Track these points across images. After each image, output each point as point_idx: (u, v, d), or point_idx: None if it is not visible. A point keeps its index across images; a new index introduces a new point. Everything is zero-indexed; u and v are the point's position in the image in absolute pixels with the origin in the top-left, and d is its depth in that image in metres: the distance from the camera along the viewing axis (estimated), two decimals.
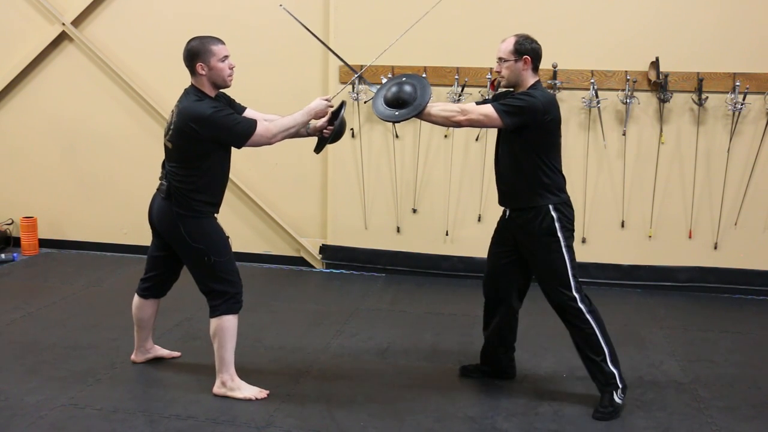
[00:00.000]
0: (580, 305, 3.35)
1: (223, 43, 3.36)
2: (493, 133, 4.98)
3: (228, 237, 3.50)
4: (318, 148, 3.66)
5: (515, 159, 3.35)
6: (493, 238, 3.62)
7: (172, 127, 3.35)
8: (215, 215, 3.49)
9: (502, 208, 3.54)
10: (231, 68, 3.36)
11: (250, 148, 3.46)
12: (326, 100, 3.47)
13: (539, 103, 3.22)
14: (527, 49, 3.28)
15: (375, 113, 3.40)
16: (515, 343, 3.73)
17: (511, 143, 3.36)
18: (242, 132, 3.29)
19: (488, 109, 3.23)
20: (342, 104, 3.59)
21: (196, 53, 3.30)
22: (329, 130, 3.54)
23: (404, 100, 3.29)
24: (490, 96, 5.14)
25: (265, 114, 3.62)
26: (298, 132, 3.51)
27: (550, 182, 3.33)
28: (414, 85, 3.33)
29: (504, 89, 3.47)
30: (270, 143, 3.39)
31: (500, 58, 3.33)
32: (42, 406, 3.35)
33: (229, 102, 3.54)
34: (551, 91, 4.75)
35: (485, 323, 3.68)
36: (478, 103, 3.43)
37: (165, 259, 3.62)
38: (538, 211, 3.33)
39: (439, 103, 3.39)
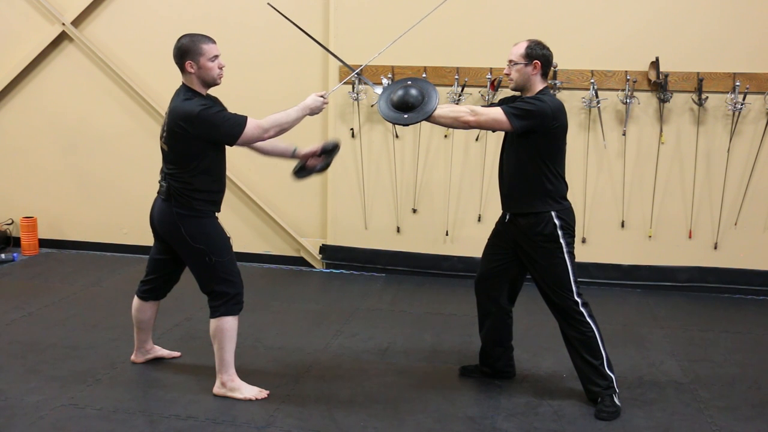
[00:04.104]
0: (582, 309, 3.36)
1: (213, 42, 3.34)
2: (493, 133, 5.02)
3: (229, 237, 3.50)
4: (299, 174, 3.66)
5: (520, 164, 3.36)
6: (489, 239, 3.63)
7: (165, 128, 3.35)
8: (216, 214, 3.49)
9: (502, 210, 3.55)
10: (221, 68, 3.34)
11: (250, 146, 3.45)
12: (321, 96, 3.43)
13: (548, 109, 3.22)
14: (538, 55, 3.29)
15: (382, 116, 3.39)
16: (513, 343, 3.73)
17: (517, 148, 3.36)
18: (232, 129, 3.26)
19: (497, 112, 3.23)
20: (336, 146, 3.61)
21: (185, 51, 3.29)
22: (317, 161, 3.54)
23: (411, 104, 3.30)
24: (491, 96, 5.18)
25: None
26: (283, 153, 3.57)
27: (553, 189, 3.34)
28: (420, 88, 3.33)
29: (510, 91, 3.48)
30: (263, 139, 3.35)
31: (511, 61, 3.34)
32: (42, 406, 3.35)
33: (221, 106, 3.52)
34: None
35: (480, 324, 3.69)
36: (485, 106, 3.43)
37: (166, 262, 3.62)
38: (540, 217, 3.34)
39: (446, 105, 3.40)
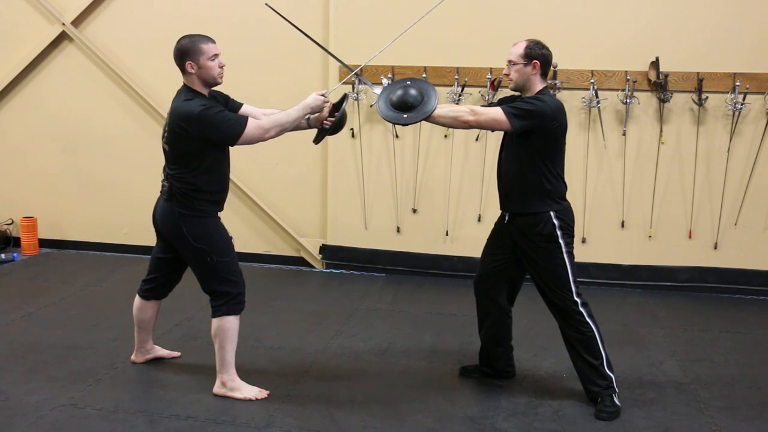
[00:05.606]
0: (581, 309, 3.36)
1: (213, 41, 3.35)
2: (493, 133, 5.02)
3: (231, 237, 3.50)
4: (317, 139, 3.66)
5: (519, 164, 3.36)
6: (488, 240, 3.63)
7: (166, 129, 3.36)
8: (218, 214, 3.49)
9: (501, 211, 3.55)
10: (221, 66, 3.34)
11: (250, 146, 3.45)
12: (322, 95, 3.43)
13: (548, 108, 3.22)
14: (537, 54, 3.29)
15: (381, 116, 3.39)
16: (513, 343, 3.73)
17: (516, 148, 3.36)
18: (232, 129, 3.27)
19: (497, 112, 3.23)
20: (344, 97, 3.59)
21: (185, 52, 3.30)
22: (330, 121, 3.54)
23: (410, 104, 3.30)
24: (491, 96, 5.18)
25: (263, 108, 3.61)
26: (299, 126, 3.50)
27: (552, 189, 3.34)
28: (419, 88, 3.33)
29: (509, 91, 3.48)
30: (263, 139, 3.34)
31: (510, 61, 3.34)
32: (42, 406, 3.35)
33: (225, 99, 3.53)
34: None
35: (480, 324, 3.70)
36: (484, 106, 3.43)
37: (168, 261, 3.62)
38: (539, 217, 3.34)
39: (446, 105, 3.40)
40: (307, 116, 3.49)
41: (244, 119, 3.30)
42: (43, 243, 6.32)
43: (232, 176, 3.62)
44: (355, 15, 5.42)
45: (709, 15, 5.04)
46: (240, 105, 3.59)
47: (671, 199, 5.30)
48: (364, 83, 4.60)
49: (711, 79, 5.05)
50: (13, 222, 6.33)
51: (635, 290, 5.39)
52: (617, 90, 5.17)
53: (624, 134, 5.23)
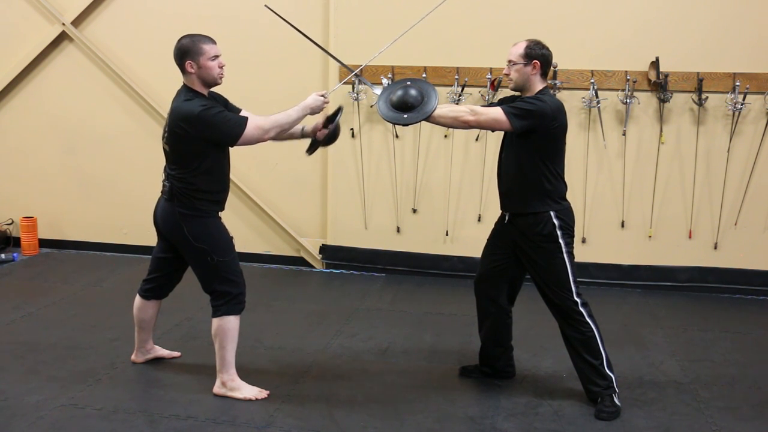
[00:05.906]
0: (582, 309, 3.36)
1: (213, 42, 3.35)
2: (493, 133, 5.02)
3: (232, 237, 3.51)
4: (310, 150, 3.64)
5: (519, 164, 3.36)
6: (488, 240, 3.63)
7: (166, 129, 3.37)
8: (219, 214, 3.49)
9: (501, 211, 3.55)
10: (221, 67, 3.35)
11: (250, 147, 3.45)
12: (321, 95, 3.43)
13: (548, 108, 3.22)
14: (537, 54, 3.29)
15: (381, 116, 3.39)
16: (513, 343, 3.73)
17: (516, 148, 3.36)
18: (232, 130, 3.27)
19: (497, 112, 3.23)
20: (339, 109, 3.58)
21: (185, 51, 3.30)
22: (323, 132, 3.53)
23: (410, 104, 3.30)
24: (491, 96, 5.18)
25: (261, 116, 3.61)
26: (292, 134, 3.51)
27: (552, 189, 3.34)
28: (419, 89, 3.33)
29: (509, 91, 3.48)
30: (263, 139, 3.35)
31: (510, 61, 3.34)
32: (42, 406, 3.35)
33: (225, 103, 3.53)
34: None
35: (480, 324, 3.70)
36: (484, 106, 3.44)
37: (169, 261, 3.62)
38: (539, 217, 3.34)
39: (446, 105, 3.40)
40: (302, 127, 3.50)
41: (244, 120, 3.30)
42: (43, 243, 6.32)
43: (232, 176, 3.63)
44: (355, 15, 5.42)
45: (709, 15, 5.04)
46: (239, 110, 3.57)
47: (671, 199, 5.30)
48: (364, 83, 4.60)
49: (711, 79, 5.05)
50: (13, 222, 6.32)
51: (635, 290, 5.39)
52: (617, 90, 5.17)
53: (624, 134, 5.23)
